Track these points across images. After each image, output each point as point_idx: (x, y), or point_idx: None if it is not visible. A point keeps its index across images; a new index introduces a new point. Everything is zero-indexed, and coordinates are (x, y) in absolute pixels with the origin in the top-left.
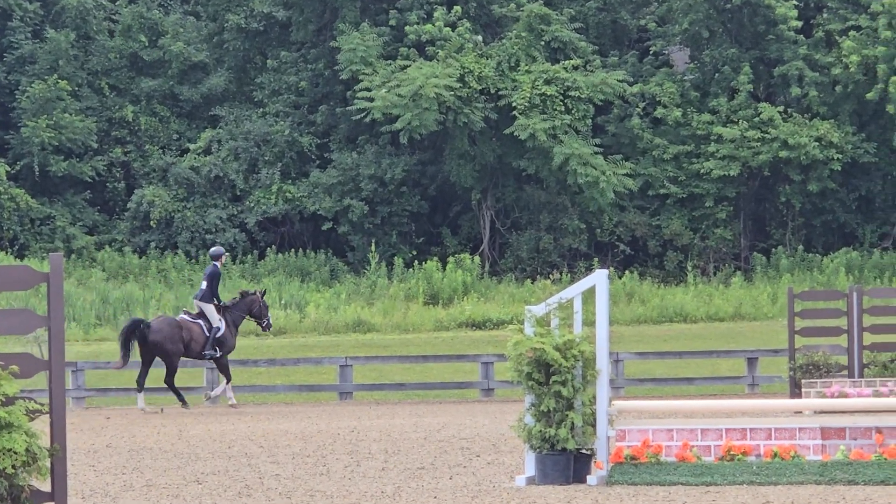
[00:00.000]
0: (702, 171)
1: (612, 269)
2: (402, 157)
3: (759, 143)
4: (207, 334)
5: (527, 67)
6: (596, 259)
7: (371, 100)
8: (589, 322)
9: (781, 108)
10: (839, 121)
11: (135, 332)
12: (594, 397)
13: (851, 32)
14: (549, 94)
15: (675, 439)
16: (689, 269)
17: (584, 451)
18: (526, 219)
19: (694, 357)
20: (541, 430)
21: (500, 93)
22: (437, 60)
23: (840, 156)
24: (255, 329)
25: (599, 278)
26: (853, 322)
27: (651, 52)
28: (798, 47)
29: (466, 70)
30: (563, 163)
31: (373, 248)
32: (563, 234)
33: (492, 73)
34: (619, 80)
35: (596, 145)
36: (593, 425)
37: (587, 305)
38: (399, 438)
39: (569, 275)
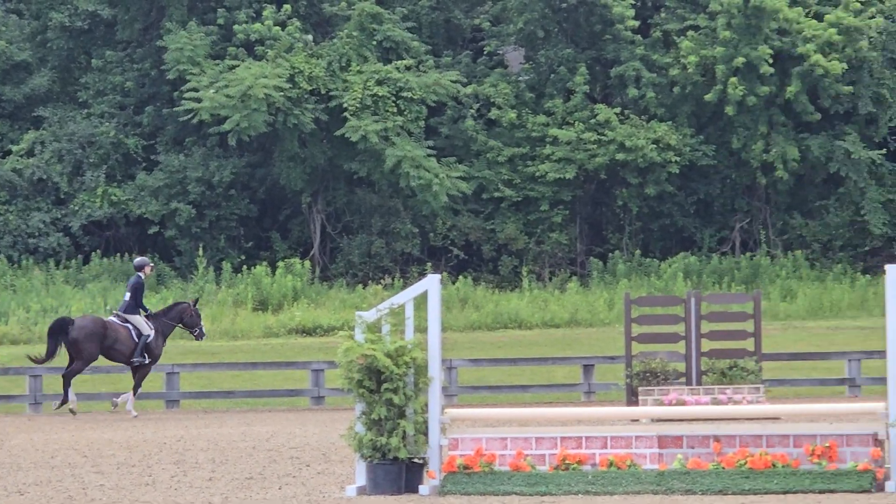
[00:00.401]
0: (537, 174)
1: (445, 274)
2: (231, 160)
3: (595, 146)
4: (136, 340)
5: (358, 68)
6: (429, 264)
7: (199, 100)
8: (421, 328)
9: (618, 110)
10: (677, 123)
11: (61, 330)
12: (426, 405)
13: (690, 32)
14: (381, 94)
15: (510, 448)
16: (525, 274)
17: (416, 460)
18: (357, 223)
19: (529, 364)
20: (372, 439)
21: (330, 94)
22: (267, 60)
23: (678, 158)
24: None
25: (431, 283)
26: (691, 328)
27: (485, 53)
28: (635, 47)
29: (296, 70)
30: (395, 165)
31: (200, 252)
32: (395, 239)
33: (322, 74)
34: (452, 81)
35: (429, 147)
36: (425, 434)
37: (419, 311)
38: (227, 448)
39: (401, 280)
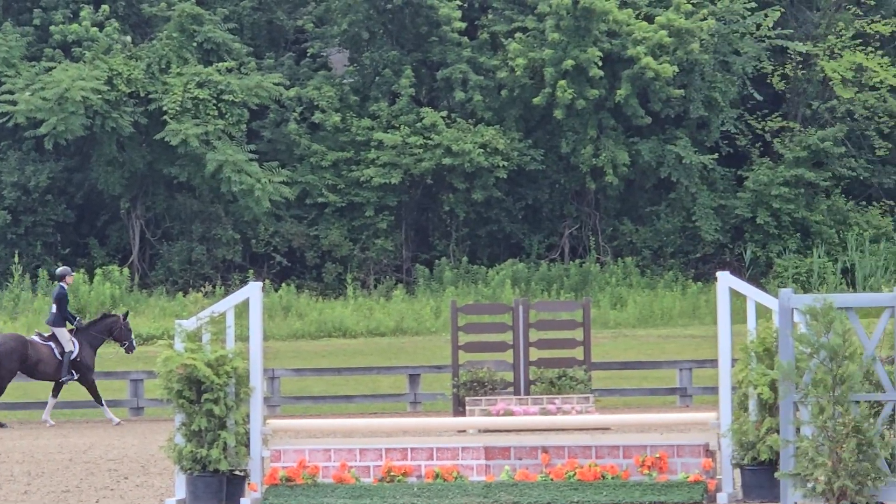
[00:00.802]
0: (362, 178)
1: (267, 281)
2: (48, 164)
3: (421, 150)
4: (59, 357)
5: (178, 70)
6: (251, 271)
7: (14, 103)
8: (243, 337)
9: (445, 113)
10: (505, 126)
11: None
12: (248, 416)
13: (518, 34)
14: (201, 97)
15: (333, 460)
16: (349, 281)
17: (237, 472)
18: (178, 229)
19: (353, 374)
20: (192, 451)
21: (150, 96)
22: (84, 62)
23: (506, 163)
24: None
25: (253, 291)
26: (519, 337)
27: (309, 55)
28: (462, 49)
29: (115, 72)
30: (216, 170)
31: (16, 259)
32: (216, 245)
33: (141, 76)
34: (275, 84)
35: (251, 152)
36: (247, 445)
37: (241, 319)
38: (43, 460)
39: (223, 287)
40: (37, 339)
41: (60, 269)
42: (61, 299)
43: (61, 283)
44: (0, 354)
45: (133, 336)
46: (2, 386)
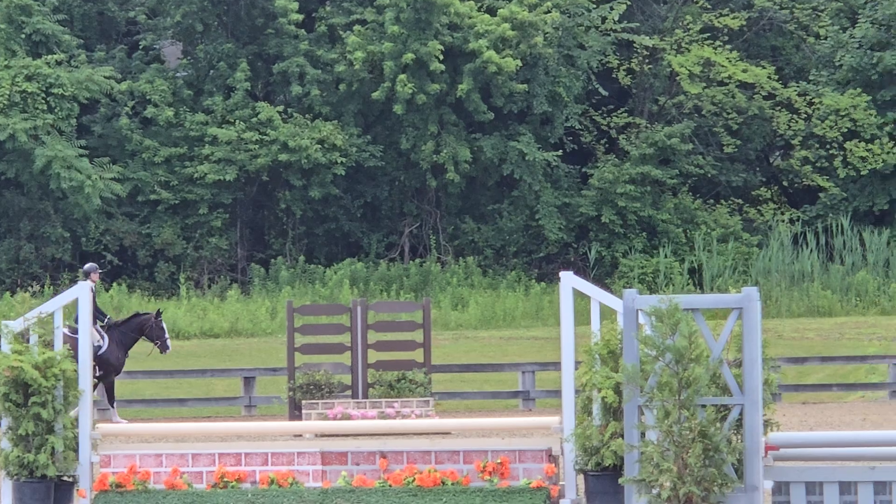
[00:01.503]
0: (195, 175)
1: (98, 280)
2: None
3: (257, 146)
4: None
5: (6, 62)
6: (81, 270)
7: None
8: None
9: (281, 108)
10: (343, 122)
11: None
12: (77, 420)
13: (356, 27)
14: (30, 91)
15: (165, 465)
16: (182, 281)
17: (66, 477)
18: (5, 227)
19: (186, 376)
20: (18, 456)
21: None
22: None
23: (344, 160)
24: None
25: (82, 291)
26: (357, 339)
27: (141, 47)
28: (299, 42)
29: None
30: (45, 166)
31: None
32: (45, 244)
33: None
34: (106, 77)
35: (81, 147)
36: (76, 450)
37: (70, 320)
38: None
39: (52, 287)
40: (66, 331)
41: (86, 266)
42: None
43: (87, 280)
44: None
45: (167, 335)
46: None
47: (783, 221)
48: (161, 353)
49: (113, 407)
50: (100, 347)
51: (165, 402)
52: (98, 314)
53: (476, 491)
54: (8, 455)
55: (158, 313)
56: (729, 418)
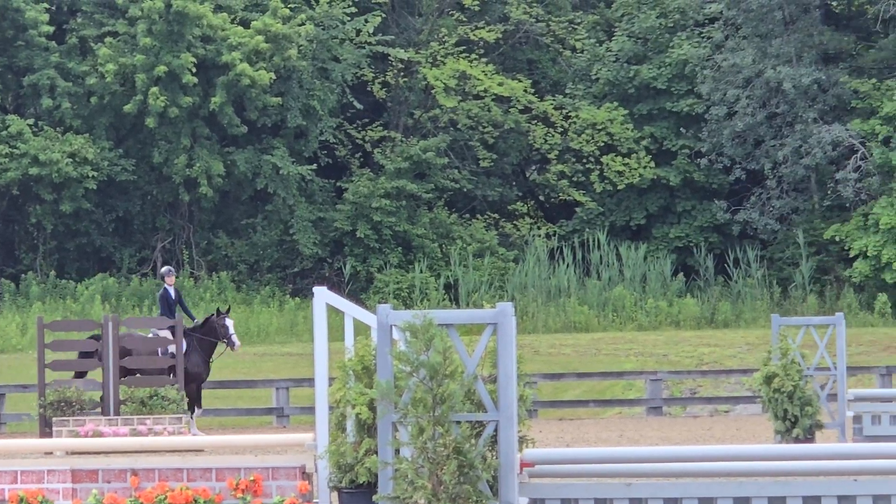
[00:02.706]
0: None
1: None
2: None
3: (7, 160)
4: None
5: None
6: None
7: None
8: None
9: (32, 121)
10: (95, 135)
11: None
12: None
13: (108, 39)
14: None
15: None
16: None
17: None
18: None
19: None
20: None
21: None
22: None
23: (96, 173)
24: None
25: None
26: (108, 354)
27: None
28: (50, 54)
29: None
30: None
31: None
32: None
33: None
34: None
35: None
36: None
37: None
38: None
39: None
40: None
41: (162, 270)
42: (161, 300)
43: (164, 285)
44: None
45: (232, 332)
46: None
47: (539, 236)
48: (231, 350)
49: (192, 416)
50: (168, 353)
51: None
52: (188, 314)
53: None
54: None
55: (219, 312)
56: (484, 435)
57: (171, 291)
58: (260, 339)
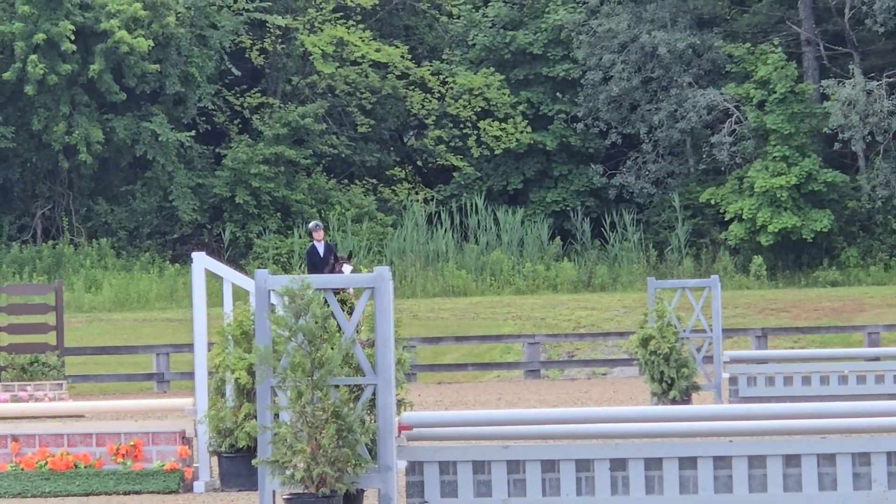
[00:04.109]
0: None
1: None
2: None
3: None
4: None
5: None
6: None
7: None
8: None
9: None
10: None
11: None
12: None
13: None
14: None
15: None
16: None
17: None
18: None
19: None
20: None
21: None
22: None
23: None
24: None
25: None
26: None
27: None
28: None
29: None
30: None
31: None
32: None
33: None
34: None
35: None
36: None
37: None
38: None
39: None
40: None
41: (310, 225)
42: (307, 257)
43: (312, 241)
44: None
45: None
46: None
47: (417, 201)
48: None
49: None
50: None
51: None
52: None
53: (109, 474)
54: None
55: (337, 258)
56: (362, 398)
57: (320, 248)
58: (140, 306)
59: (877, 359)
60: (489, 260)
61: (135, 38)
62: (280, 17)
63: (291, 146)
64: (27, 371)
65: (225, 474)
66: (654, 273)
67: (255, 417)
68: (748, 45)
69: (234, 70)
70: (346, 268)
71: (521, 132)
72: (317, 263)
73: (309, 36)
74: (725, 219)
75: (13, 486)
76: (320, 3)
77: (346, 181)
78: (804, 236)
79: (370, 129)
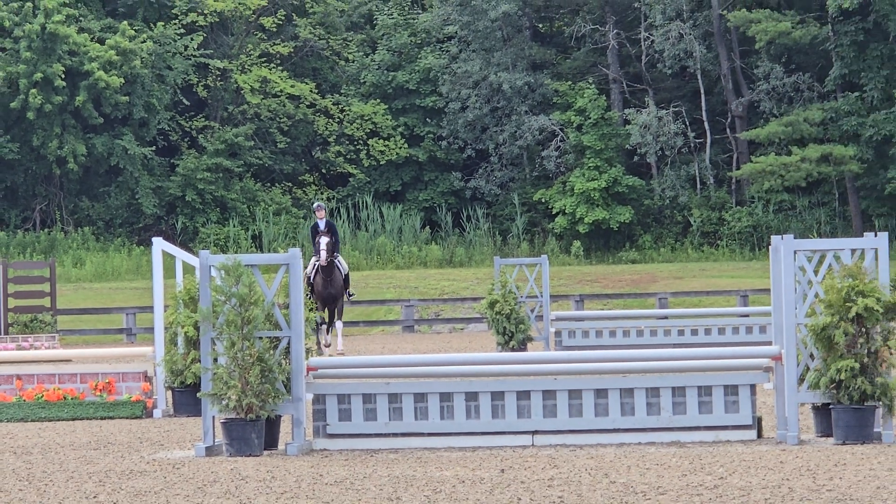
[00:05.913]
0: None
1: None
2: None
3: None
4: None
5: None
6: (311, 208)
7: None
8: None
9: None
10: None
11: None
12: None
13: None
14: None
15: None
16: None
17: None
18: None
19: None
20: None
21: None
22: None
23: None
24: None
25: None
26: (0, 289)
27: None
28: None
29: None
30: None
31: None
32: None
33: None
34: None
35: None
36: None
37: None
38: None
39: None
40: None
41: (313, 205)
42: (311, 231)
43: (316, 218)
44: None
45: (322, 248)
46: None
47: (322, 199)
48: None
49: (328, 331)
50: (348, 272)
51: None
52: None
53: (90, 404)
54: None
55: (318, 232)
56: (279, 347)
57: (322, 224)
58: (114, 278)
59: (665, 317)
60: (376, 244)
61: (110, 76)
62: (219, 61)
63: (228, 158)
64: (28, 326)
65: (177, 404)
66: (499, 253)
67: (200, 361)
68: (570, 82)
69: (184, 100)
70: (323, 240)
71: (400, 148)
72: (312, 238)
73: (241, 75)
74: (553, 213)
75: (17, 413)
76: (250, 50)
77: (268, 184)
78: (612, 226)
79: (287, 145)
